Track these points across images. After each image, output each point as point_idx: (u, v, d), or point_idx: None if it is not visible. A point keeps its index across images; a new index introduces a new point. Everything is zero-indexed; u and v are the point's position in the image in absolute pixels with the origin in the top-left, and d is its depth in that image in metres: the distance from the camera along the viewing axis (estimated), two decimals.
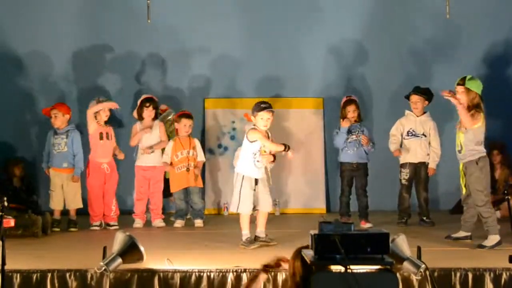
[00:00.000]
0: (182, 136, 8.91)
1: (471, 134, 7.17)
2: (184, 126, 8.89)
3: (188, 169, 8.84)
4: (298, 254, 4.24)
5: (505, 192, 6.10)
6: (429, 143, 8.75)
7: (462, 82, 7.22)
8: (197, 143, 9.05)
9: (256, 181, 7.30)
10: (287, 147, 7.34)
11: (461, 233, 7.43)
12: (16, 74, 10.08)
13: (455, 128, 7.38)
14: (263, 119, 7.28)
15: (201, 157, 9.02)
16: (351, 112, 8.72)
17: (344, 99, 8.87)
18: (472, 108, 7.15)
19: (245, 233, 7.29)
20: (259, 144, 7.30)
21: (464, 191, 7.36)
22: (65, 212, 8.70)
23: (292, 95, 10.18)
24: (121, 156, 8.87)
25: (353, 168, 8.74)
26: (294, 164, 10.02)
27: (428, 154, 8.74)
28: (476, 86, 7.19)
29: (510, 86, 10.09)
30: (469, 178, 7.19)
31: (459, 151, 7.28)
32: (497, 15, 10.06)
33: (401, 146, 8.77)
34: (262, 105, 7.32)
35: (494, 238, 7.02)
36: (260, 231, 7.39)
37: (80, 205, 8.73)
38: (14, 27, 10.05)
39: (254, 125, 7.34)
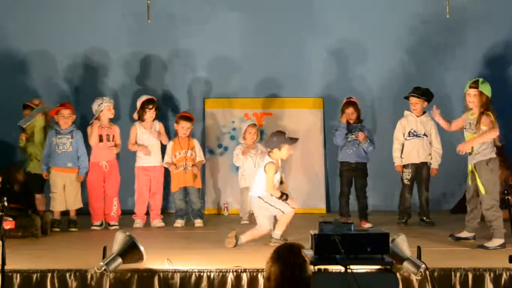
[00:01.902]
0: (180, 137, 8.93)
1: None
2: (182, 128, 8.91)
3: (185, 169, 8.85)
4: (274, 257, 4.14)
5: (505, 192, 6.09)
6: (430, 143, 8.75)
7: (475, 85, 7.24)
8: (196, 143, 9.06)
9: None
10: (284, 196, 7.37)
11: (465, 234, 7.42)
12: (16, 75, 10.08)
13: (463, 129, 7.40)
14: (289, 149, 7.45)
15: (200, 157, 9.04)
16: (349, 114, 8.77)
17: (344, 101, 8.90)
18: (484, 110, 7.16)
19: (279, 233, 7.37)
20: (277, 176, 7.37)
21: (469, 192, 7.35)
22: (64, 212, 8.70)
23: (292, 95, 10.18)
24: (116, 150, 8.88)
25: (352, 167, 8.75)
26: (294, 164, 10.02)
27: (429, 154, 8.74)
28: (488, 90, 7.25)
29: (509, 87, 10.08)
30: (478, 180, 7.18)
31: (469, 153, 7.27)
32: (497, 15, 10.05)
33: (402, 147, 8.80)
34: (287, 137, 7.46)
35: (498, 241, 7.01)
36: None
37: (81, 205, 8.74)
38: (15, 28, 10.05)
39: (271, 158, 7.39)
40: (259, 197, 7.37)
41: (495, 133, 7.15)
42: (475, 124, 7.22)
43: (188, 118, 8.97)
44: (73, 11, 10.06)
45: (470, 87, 7.28)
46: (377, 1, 10.12)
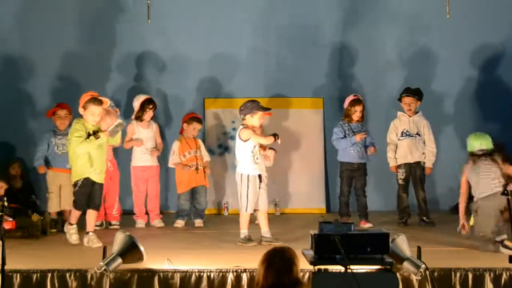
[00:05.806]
0: (187, 137, 8.92)
1: None
2: (194, 129, 8.91)
3: (197, 169, 8.84)
4: (264, 261, 4.15)
5: (505, 192, 6.09)
6: (424, 143, 8.76)
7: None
8: (201, 143, 9.09)
9: (260, 177, 7.41)
10: (276, 136, 7.43)
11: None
12: (15, 75, 10.08)
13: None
14: (261, 118, 7.49)
15: (206, 157, 9.05)
16: (358, 112, 8.68)
17: (351, 98, 8.77)
18: None
19: (244, 231, 7.40)
20: (253, 141, 7.39)
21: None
22: (60, 213, 8.63)
23: (292, 95, 10.18)
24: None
25: (354, 168, 8.73)
26: (294, 164, 10.02)
27: (423, 154, 8.74)
28: None
29: (508, 86, 10.08)
30: None
31: None
32: (496, 15, 10.03)
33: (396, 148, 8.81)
34: (260, 105, 7.51)
35: None
36: (266, 231, 7.46)
37: None
38: (14, 28, 10.04)
39: (244, 124, 7.45)
40: (241, 174, 7.43)
41: None
42: None
43: (199, 120, 9.02)
44: (72, 11, 10.03)
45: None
46: (376, 3, 10.11)
